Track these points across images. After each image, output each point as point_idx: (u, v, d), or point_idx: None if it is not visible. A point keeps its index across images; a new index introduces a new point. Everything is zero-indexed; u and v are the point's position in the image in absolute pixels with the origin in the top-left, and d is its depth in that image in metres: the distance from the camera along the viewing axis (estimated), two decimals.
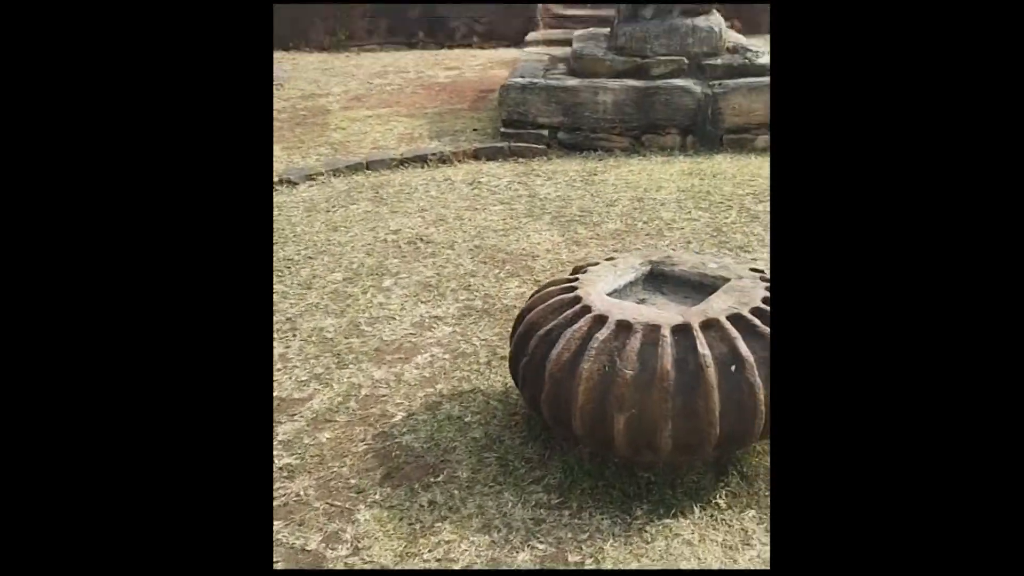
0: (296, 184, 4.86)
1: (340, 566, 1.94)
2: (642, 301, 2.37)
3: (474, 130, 5.89)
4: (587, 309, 2.16)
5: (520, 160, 5.30)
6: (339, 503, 2.15)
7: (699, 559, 1.93)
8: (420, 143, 5.63)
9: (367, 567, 1.93)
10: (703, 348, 2.00)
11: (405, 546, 1.99)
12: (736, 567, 1.92)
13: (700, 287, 2.36)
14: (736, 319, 2.08)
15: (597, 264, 2.46)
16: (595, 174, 4.92)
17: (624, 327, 2.08)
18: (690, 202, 4.34)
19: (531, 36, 9.12)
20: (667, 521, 2.05)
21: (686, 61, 5.41)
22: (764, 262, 3.51)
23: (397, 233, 4.04)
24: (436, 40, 9.51)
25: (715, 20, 5.49)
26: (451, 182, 4.86)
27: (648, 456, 2.10)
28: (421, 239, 3.96)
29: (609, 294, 2.30)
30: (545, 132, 5.48)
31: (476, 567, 1.92)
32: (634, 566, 1.91)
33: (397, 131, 5.96)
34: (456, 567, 1.92)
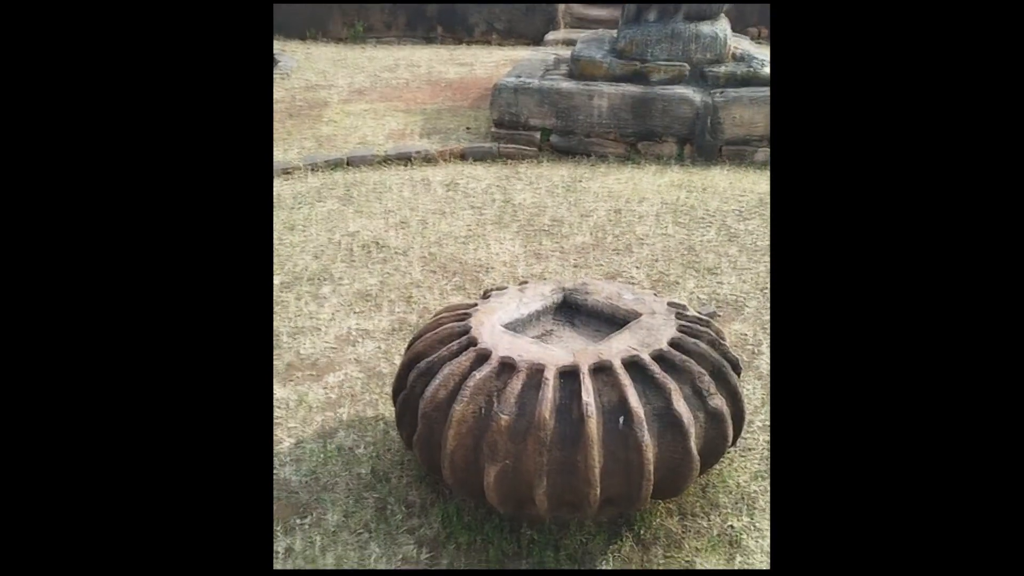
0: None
1: None
2: (548, 333, 2.13)
3: (467, 129, 5.67)
4: (473, 342, 1.93)
5: (507, 162, 5.07)
6: None
7: None
8: (408, 140, 5.42)
9: None
10: (588, 396, 1.75)
11: None
12: None
13: (612, 321, 2.11)
14: (632, 364, 1.82)
15: (505, 289, 2.22)
16: (580, 181, 4.66)
17: (508, 366, 1.84)
18: (669, 216, 4.05)
19: (550, 36, 8.87)
20: None
21: (687, 68, 5.11)
22: (730, 287, 3.24)
23: (354, 236, 3.83)
24: (454, 36, 9.29)
25: (720, 26, 5.18)
26: (428, 183, 4.64)
27: (529, 509, 1.86)
28: (377, 243, 3.75)
29: (509, 324, 2.06)
30: (537, 135, 5.24)
31: None
32: None
33: (389, 127, 5.76)
34: None
